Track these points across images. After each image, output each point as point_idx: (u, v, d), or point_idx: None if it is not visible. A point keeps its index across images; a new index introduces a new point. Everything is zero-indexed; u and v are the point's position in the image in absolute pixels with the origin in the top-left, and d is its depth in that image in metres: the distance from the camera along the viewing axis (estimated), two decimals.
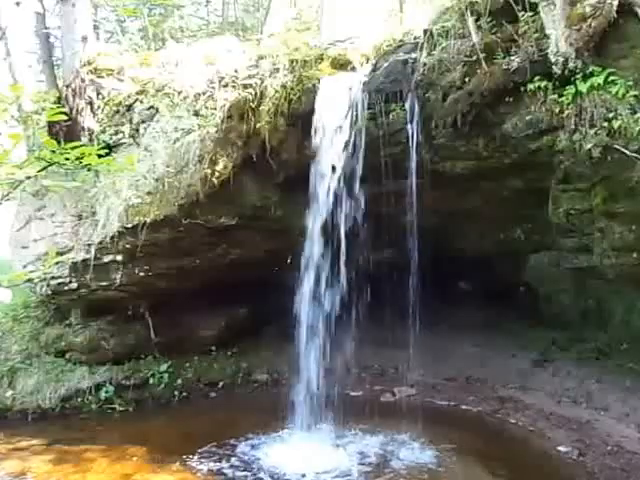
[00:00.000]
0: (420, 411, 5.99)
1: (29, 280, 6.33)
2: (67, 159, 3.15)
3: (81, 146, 3.22)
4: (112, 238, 6.16)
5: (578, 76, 4.13)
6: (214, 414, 6.60)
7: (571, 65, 4.12)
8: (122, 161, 5.73)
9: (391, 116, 5.29)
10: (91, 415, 6.61)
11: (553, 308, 7.01)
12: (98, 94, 6.87)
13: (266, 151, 5.86)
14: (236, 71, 6.21)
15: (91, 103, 6.85)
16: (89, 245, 6.34)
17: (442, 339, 7.21)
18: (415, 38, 5.35)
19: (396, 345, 6.88)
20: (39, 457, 5.49)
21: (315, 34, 8.32)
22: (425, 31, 5.16)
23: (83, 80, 6.85)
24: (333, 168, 5.54)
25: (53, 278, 6.64)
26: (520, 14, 4.46)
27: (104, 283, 6.60)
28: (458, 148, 5.16)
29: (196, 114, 6.10)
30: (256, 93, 5.91)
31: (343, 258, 5.61)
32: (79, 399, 6.71)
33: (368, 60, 5.80)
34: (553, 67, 4.22)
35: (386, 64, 5.36)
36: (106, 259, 6.40)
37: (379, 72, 5.38)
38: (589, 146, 4.15)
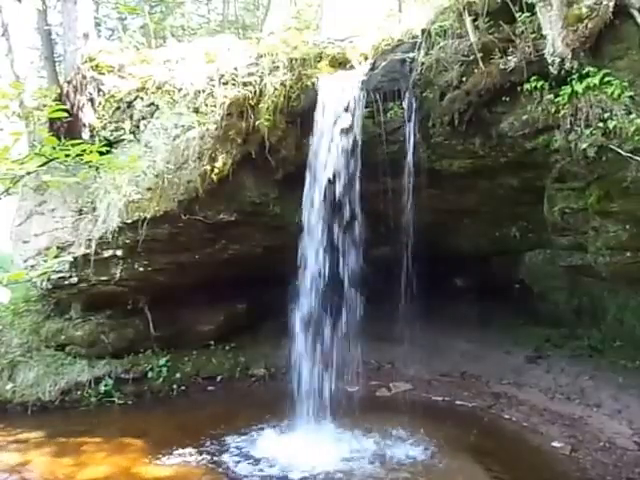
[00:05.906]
0: (415, 406, 6.06)
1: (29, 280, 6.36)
2: (67, 155, 3.18)
3: (82, 143, 3.26)
4: (112, 233, 6.21)
5: (574, 76, 4.18)
6: (212, 408, 6.67)
7: (567, 65, 4.16)
8: (123, 158, 5.80)
9: (389, 115, 5.36)
10: (90, 408, 6.66)
11: (547, 305, 7.05)
12: (99, 91, 6.90)
13: (265, 148, 5.91)
14: (236, 69, 6.26)
15: (92, 99, 6.88)
16: (89, 240, 6.38)
17: (438, 335, 7.26)
18: (413, 38, 5.40)
19: (392, 341, 6.95)
20: (38, 449, 5.54)
21: (315, 33, 8.35)
22: (423, 31, 5.21)
23: (84, 77, 6.88)
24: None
25: (54, 272, 6.68)
26: (517, 14, 4.51)
27: (104, 278, 6.64)
28: (455, 147, 5.22)
29: (196, 111, 6.14)
30: (255, 91, 5.96)
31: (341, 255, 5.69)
32: (79, 392, 6.75)
33: (367, 59, 5.85)
34: (549, 67, 4.26)
35: (384, 63, 5.42)
36: (106, 254, 6.44)
37: (377, 71, 5.44)
38: (584, 146, 4.20)
